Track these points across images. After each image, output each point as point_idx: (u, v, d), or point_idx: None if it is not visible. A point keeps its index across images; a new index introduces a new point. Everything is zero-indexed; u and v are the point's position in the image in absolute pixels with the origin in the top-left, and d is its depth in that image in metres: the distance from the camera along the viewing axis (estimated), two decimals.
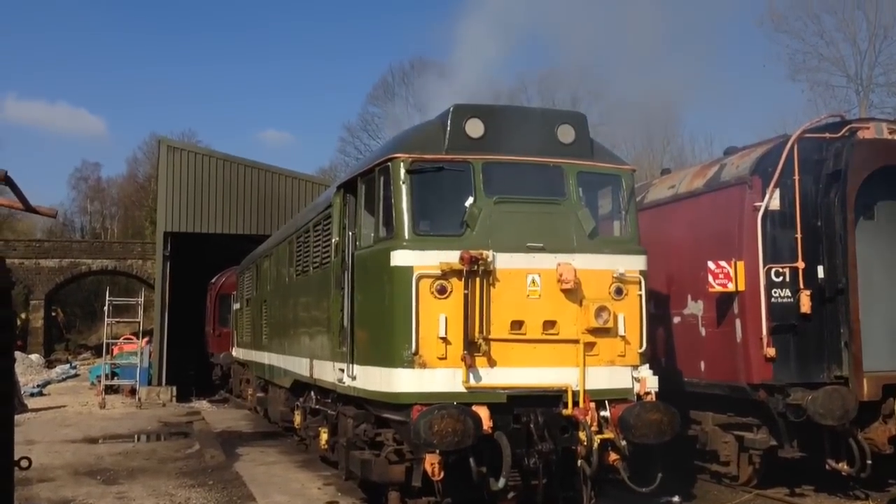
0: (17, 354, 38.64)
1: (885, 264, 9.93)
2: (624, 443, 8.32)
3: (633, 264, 8.83)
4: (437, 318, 8.14)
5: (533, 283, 8.40)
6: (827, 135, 10.02)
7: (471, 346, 8.12)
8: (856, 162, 9.57)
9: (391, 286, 8.38)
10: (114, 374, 26.56)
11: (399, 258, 8.32)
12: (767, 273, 9.58)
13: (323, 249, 11.06)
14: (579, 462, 8.26)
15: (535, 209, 8.68)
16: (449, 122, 8.75)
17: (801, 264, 9.59)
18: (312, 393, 12.27)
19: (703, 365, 10.48)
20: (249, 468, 13.04)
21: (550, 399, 8.39)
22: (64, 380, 35.65)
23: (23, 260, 53.07)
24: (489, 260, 8.20)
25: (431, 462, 7.89)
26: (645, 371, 8.71)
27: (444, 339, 8.14)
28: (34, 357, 43.33)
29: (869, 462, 9.39)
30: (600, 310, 8.45)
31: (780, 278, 9.63)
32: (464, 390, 8.14)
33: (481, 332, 8.16)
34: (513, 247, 8.38)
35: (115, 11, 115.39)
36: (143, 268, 53.93)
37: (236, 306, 22.57)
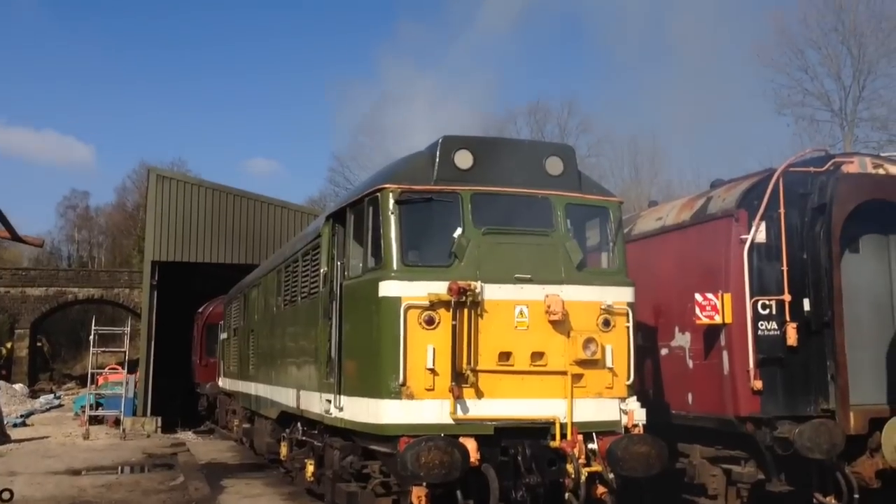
0: (1, 384, 38.34)
1: (870, 297, 9.98)
2: (612, 476, 8.29)
3: (620, 296, 8.86)
4: (425, 349, 8.13)
5: (521, 314, 8.41)
6: (812, 169, 10.11)
7: (458, 378, 8.11)
8: (840, 196, 9.66)
9: (379, 316, 8.37)
10: (98, 405, 26.30)
11: (387, 289, 8.32)
12: (754, 305, 9.62)
13: (311, 279, 11.05)
14: (567, 495, 8.21)
15: (524, 240, 8.70)
16: (438, 153, 8.80)
17: (787, 297, 9.63)
18: (299, 424, 12.18)
19: (690, 397, 10.48)
20: (234, 501, 12.90)
21: (538, 431, 8.36)
22: (48, 410, 35.28)
23: (8, 289, 52.81)
24: (477, 291, 8.21)
25: (418, 495, 7.83)
26: (633, 403, 8.71)
27: (432, 370, 8.12)
28: (18, 387, 42.90)
29: (856, 496, 9.37)
30: (588, 341, 8.46)
31: (767, 311, 9.67)
32: (451, 422, 8.11)
33: (469, 363, 8.15)
34: (501, 278, 8.40)
35: (102, 41, 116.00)
36: (129, 297, 53.67)
37: (223, 336, 22.46)
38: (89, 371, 26.41)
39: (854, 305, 9.73)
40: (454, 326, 8.11)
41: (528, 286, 8.46)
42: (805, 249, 9.85)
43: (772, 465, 9.67)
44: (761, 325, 9.63)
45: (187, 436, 24.19)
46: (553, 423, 8.28)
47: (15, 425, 26.39)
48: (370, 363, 8.53)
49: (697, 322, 9.77)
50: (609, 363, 8.61)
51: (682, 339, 10.61)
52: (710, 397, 10.05)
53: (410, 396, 8.11)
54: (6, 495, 4.45)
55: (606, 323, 8.69)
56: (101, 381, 27.76)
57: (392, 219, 8.55)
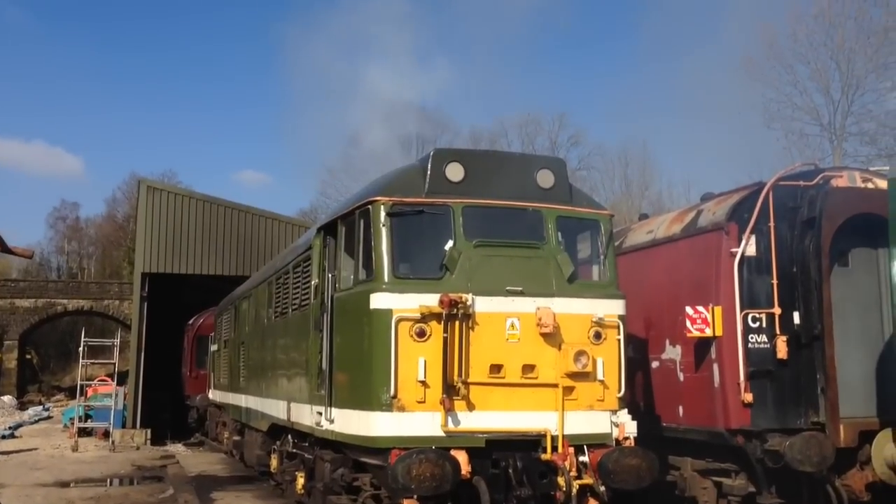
0: None
1: (860, 310, 10.03)
2: (603, 488, 8.29)
3: (611, 309, 8.88)
4: (416, 362, 8.12)
5: (512, 326, 8.42)
6: (801, 182, 10.17)
7: (450, 390, 8.10)
8: (830, 209, 9.71)
9: (370, 329, 8.36)
10: (87, 417, 26.16)
11: (378, 301, 8.32)
12: (744, 318, 9.65)
13: (302, 291, 11.04)
14: None
15: (515, 253, 8.72)
16: (429, 165, 8.82)
17: (777, 310, 9.67)
18: (290, 436, 12.14)
19: (681, 410, 10.49)
20: None
21: (529, 444, 8.36)
22: (36, 422, 35.07)
23: None
24: (468, 303, 8.22)
25: None
26: (624, 416, 8.72)
27: (423, 383, 8.11)
28: (7, 398, 42.71)
29: None
30: (579, 354, 8.47)
31: (757, 324, 9.70)
32: (442, 434, 8.10)
33: (460, 375, 8.15)
34: (492, 290, 8.41)
35: (90, 51, 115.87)
36: (119, 308, 53.45)
37: (213, 348, 22.39)
38: (78, 383, 26.30)
39: (844, 318, 9.77)
40: (445, 339, 8.11)
41: (520, 299, 8.47)
42: (795, 263, 9.90)
43: (762, 478, 9.68)
44: (751, 338, 9.66)
45: (177, 448, 24.06)
46: (544, 436, 8.28)
47: (3, 437, 26.24)
48: (361, 375, 8.52)
49: (688, 335, 9.80)
50: (600, 376, 8.62)
51: (673, 352, 10.63)
52: (701, 410, 10.06)
53: (401, 409, 8.10)
54: None
55: (597, 335, 8.71)
56: (90, 392, 27.61)
57: (383, 231, 8.56)
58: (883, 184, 10.28)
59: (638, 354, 10.99)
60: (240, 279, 21.79)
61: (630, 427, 8.67)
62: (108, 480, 17.15)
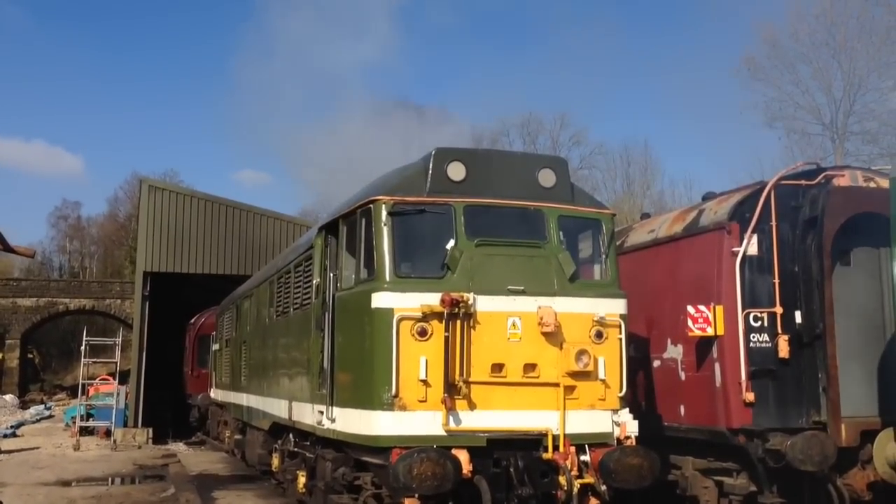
0: None
1: (861, 310, 10.02)
2: (604, 488, 8.29)
3: (613, 308, 8.88)
4: (418, 361, 8.12)
5: (514, 325, 8.42)
6: (803, 182, 10.16)
7: (451, 389, 8.10)
8: (831, 209, 9.70)
9: (372, 328, 8.36)
10: (89, 416, 26.19)
11: (380, 300, 8.32)
12: (746, 318, 9.64)
13: (304, 290, 11.04)
14: None
15: (516, 252, 8.72)
16: (431, 164, 8.82)
17: (779, 309, 9.66)
18: (291, 435, 12.15)
19: (682, 409, 10.48)
20: None
21: (530, 443, 8.36)
22: (38, 421, 35.12)
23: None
24: (470, 302, 8.22)
25: None
26: (625, 415, 8.71)
27: (425, 382, 8.11)
28: (8, 397, 42.78)
29: None
30: (580, 353, 8.47)
31: (759, 323, 9.69)
32: (444, 433, 8.10)
33: (462, 374, 8.14)
34: (494, 290, 8.41)
35: (90, 51, 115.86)
36: (121, 307, 53.53)
37: (215, 347, 22.40)
38: (80, 382, 26.36)
39: (845, 318, 9.76)
40: (447, 338, 8.11)
41: (521, 298, 8.47)
42: (796, 262, 9.89)
43: (764, 478, 9.67)
44: (753, 337, 9.66)
45: (178, 447, 24.08)
46: (545, 435, 8.28)
47: (5, 436, 26.28)
48: (362, 374, 8.52)
49: (689, 334, 9.79)
50: (601, 375, 8.62)
51: (675, 351, 10.62)
52: (703, 409, 10.06)
53: (403, 408, 8.10)
54: None
55: (599, 335, 8.71)
56: (92, 391, 27.65)
57: (385, 230, 8.56)
58: (885, 183, 10.26)
59: (639, 354, 10.99)
60: (241, 278, 21.80)
61: (631, 426, 8.67)
62: (110, 479, 17.17)
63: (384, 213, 8.60)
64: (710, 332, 9.69)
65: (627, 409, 8.78)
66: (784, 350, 9.58)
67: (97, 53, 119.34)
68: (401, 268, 8.53)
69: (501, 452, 8.28)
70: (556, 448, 8.24)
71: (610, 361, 8.69)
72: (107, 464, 19.56)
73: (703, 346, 10.00)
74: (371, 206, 8.74)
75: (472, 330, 8.28)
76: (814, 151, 34.93)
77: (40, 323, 55.10)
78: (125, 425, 24.65)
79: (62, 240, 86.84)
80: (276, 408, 12.55)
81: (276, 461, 13.33)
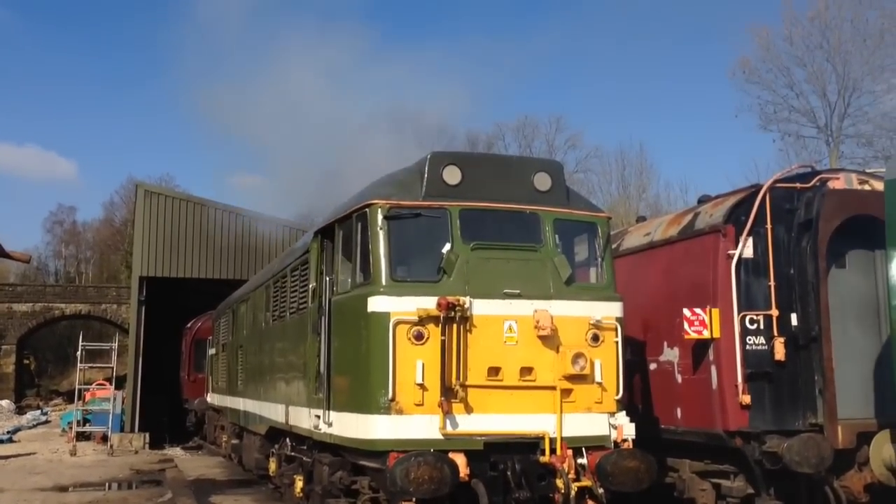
0: None
1: (857, 312, 10.04)
2: (601, 490, 8.29)
3: (609, 311, 8.89)
4: (414, 365, 8.12)
5: (510, 329, 8.43)
6: (798, 185, 10.19)
7: (448, 393, 8.11)
8: (826, 211, 9.73)
9: (368, 332, 8.37)
10: (86, 421, 26.12)
11: (376, 304, 8.32)
12: (742, 320, 9.65)
13: (300, 295, 11.04)
14: None
15: (512, 256, 8.73)
16: (426, 168, 8.83)
17: (774, 312, 9.67)
18: (288, 440, 12.14)
19: (679, 412, 10.49)
20: None
21: (527, 446, 8.36)
22: (34, 426, 35.02)
23: None
24: (466, 306, 8.23)
25: None
26: (622, 418, 8.73)
27: (421, 386, 8.12)
28: (4, 403, 42.66)
29: None
30: (577, 356, 8.48)
31: (755, 325, 9.70)
32: (440, 437, 8.10)
33: (458, 378, 8.15)
34: (490, 293, 8.42)
35: (82, 55, 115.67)
36: (117, 312, 53.44)
37: (212, 351, 22.38)
38: (76, 387, 26.24)
39: (841, 320, 9.78)
40: (443, 342, 8.12)
41: (517, 301, 8.48)
42: (792, 265, 9.91)
43: (761, 480, 9.68)
44: (749, 339, 9.67)
45: (175, 452, 24.04)
46: (542, 438, 8.28)
47: (1, 441, 26.19)
48: (359, 378, 8.52)
49: (686, 337, 9.80)
50: (598, 378, 8.63)
51: (671, 354, 10.63)
52: (699, 412, 10.07)
53: (400, 412, 8.10)
54: None
55: (595, 338, 8.72)
56: (88, 397, 27.56)
57: (380, 234, 8.57)
58: (880, 185, 10.29)
59: (636, 357, 11.00)
60: (237, 283, 21.77)
61: (628, 429, 8.68)
62: (107, 485, 17.11)
63: (380, 216, 8.61)
64: (706, 334, 9.70)
65: (624, 412, 8.79)
66: (780, 352, 9.59)
67: (88, 57, 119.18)
68: (397, 272, 8.54)
69: (498, 456, 8.28)
70: (553, 451, 8.25)
71: (606, 364, 8.70)
72: (103, 469, 19.51)
73: (699, 349, 10.02)
74: (367, 210, 8.75)
75: (468, 333, 8.29)
76: (809, 154, 35.08)
77: (36, 328, 55.00)
78: (122, 430, 24.58)
79: (58, 245, 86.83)
80: (273, 412, 12.54)
81: (273, 466, 13.32)
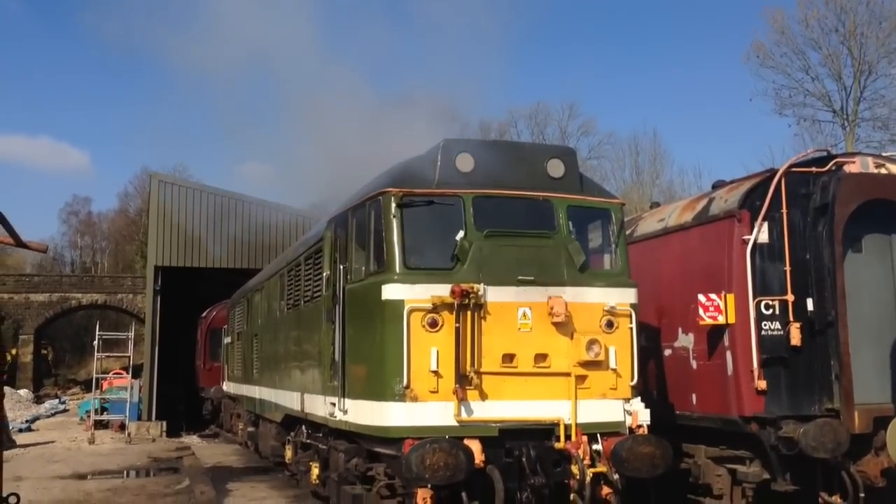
0: (6, 389, 38.41)
1: (873, 296, 9.97)
2: (616, 476, 8.31)
3: (623, 297, 8.87)
4: (429, 352, 8.14)
5: (524, 316, 8.42)
6: (814, 169, 10.11)
7: (462, 380, 8.13)
8: (842, 196, 9.66)
9: (382, 320, 8.38)
10: (103, 409, 26.34)
11: (390, 292, 8.33)
12: (757, 306, 9.61)
13: (314, 283, 11.07)
14: (572, 496, 8.23)
15: (526, 243, 8.72)
16: (439, 156, 8.81)
17: (790, 297, 9.63)
18: (304, 427, 12.20)
19: (694, 398, 10.48)
20: None
21: (542, 432, 8.37)
22: (53, 415, 35.33)
23: (12, 295, 52.87)
24: (480, 293, 8.23)
25: (423, 497, 7.85)
26: (637, 404, 8.72)
27: (436, 373, 8.14)
28: (23, 392, 43.00)
29: (862, 495, 9.35)
30: (591, 343, 8.48)
31: (770, 311, 9.66)
32: (455, 424, 8.12)
33: (473, 365, 8.16)
34: (504, 280, 8.41)
35: (93, 45, 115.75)
36: (133, 302, 53.72)
37: (227, 340, 22.49)
38: (94, 376, 26.48)
39: (857, 305, 9.73)
40: (457, 329, 8.13)
41: (531, 288, 8.47)
42: (808, 249, 9.85)
43: (777, 465, 9.66)
44: (765, 325, 9.63)
45: (192, 440, 24.22)
46: (557, 425, 8.30)
47: (20, 430, 26.45)
48: (374, 366, 8.55)
49: (701, 323, 9.78)
50: (613, 364, 8.63)
51: (686, 340, 10.61)
52: (714, 397, 10.05)
53: (414, 399, 8.13)
54: (13, 500, 4.50)
55: (609, 324, 8.71)
56: (105, 385, 27.79)
57: (394, 222, 8.57)
58: None
59: (650, 343, 10.98)
60: (252, 272, 21.86)
61: (643, 415, 8.68)
62: (125, 472, 17.28)
63: (393, 204, 8.61)
64: (721, 320, 9.67)
65: (639, 398, 8.78)
66: (796, 338, 9.55)
67: (99, 47, 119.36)
68: (410, 259, 8.54)
69: (513, 442, 8.30)
70: (567, 437, 8.26)
71: (621, 351, 8.69)
72: (122, 457, 19.68)
73: (714, 335, 9.99)
74: (380, 198, 8.75)
75: (482, 321, 8.29)
76: (824, 138, 34.84)
77: (53, 318, 55.36)
78: (139, 419, 24.79)
79: (73, 235, 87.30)
80: (289, 400, 12.60)
81: (289, 453, 13.40)
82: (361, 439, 9.16)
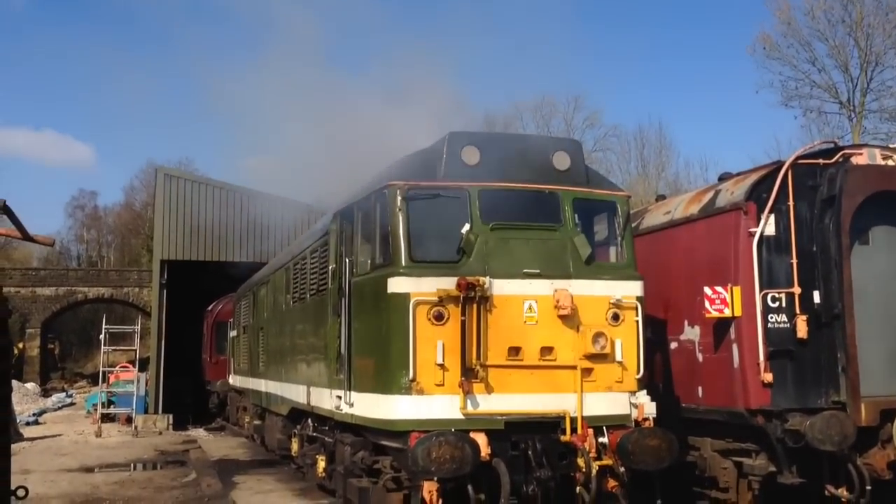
0: (14, 383, 38.58)
1: (880, 289, 9.95)
2: (623, 469, 8.31)
3: (629, 290, 8.86)
4: (435, 345, 8.14)
5: (530, 309, 8.42)
6: (821, 161, 10.08)
7: (468, 373, 8.13)
8: (850, 187, 9.63)
9: (388, 313, 8.39)
10: (110, 403, 26.43)
11: (396, 285, 8.33)
12: (764, 298, 9.59)
13: (320, 276, 11.08)
14: (578, 489, 8.24)
15: (532, 236, 8.71)
16: (445, 149, 8.80)
17: (797, 289, 9.61)
18: (310, 420, 12.22)
19: (700, 390, 10.46)
20: (246, 497, 12.96)
21: (548, 425, 8.38)
22: (60, 408, 35.48)
23: (19, 288, 52.98)
24: (486, 286, 8.23)
25: (429, 490, 7.86)
26: (643, 397, 8.72)
27: (442, 366, 8.14)
28: (30, 385, 43.19)
29: (868, 488, 9.34)
30: (597, 336, 8.47)
31: (777, 303, 9.65)
32: (461, 417, 8.13)
33: (479, 358, 8.16)
34: (509, 273, 8.41)
35: (96, 38, 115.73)
36: (139, 296, 53.84)
37: (233, 333, 22.53)
38: (101, 369, 26.56)
39: (864, 297, 9.70)
40: (463, 322, 8.13)
41: (537, 281, 8.46)
42: (814, 242, 9.82)
43: (783, 458, 9.65)
44: (771, 317, 9.61)
45: (199, 433, 24.30)
46: (563, 418, 8.30)
47: (28, 424, 26.56)
48: (380, 359, 8.56)
49: (707, 315, 9.76)
50: (619, 357, 8.62)
51: (692, 333, 10.60)
52: (721, 390, 10.04)
53: (420, 392, 8.13)
54: (21, 493, 4.52)
55: (615, 317, 8.70)
56: (112, 379, 27.89)
57: (400, 215, 8.56)
58: None
59: (656, 336, 10.97)
60: (257, 265, 21.85)
61: (649, 408, 8.68)
62: (132, 465, 17.34)
63: (399, 197, 8.60)
64: (727, 313, 9.65)
65: (645, 391, 8.79)
66: (802, 330, 9.54)
67: (103, 39, 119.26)
68: (416, 252, 8.54)
69: (519, 435, 8.30)
70: (574, 430, 8.26)
71: (627, 343, 8.68)
72: (129, 450, 19.76)
73: (720, 328, 9.97)
74: (386, 191, 8.74)
75: (488, 314, 8.29)
76: (831, 130, 34.70)
77: (60, 312, 55.52)
78: (146, 412, 24.88)
79: (79, 229, 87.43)
80: (295, 393, 12.62)
81: (295, 446, 13.43)
82: (367, 432, 9.17)
